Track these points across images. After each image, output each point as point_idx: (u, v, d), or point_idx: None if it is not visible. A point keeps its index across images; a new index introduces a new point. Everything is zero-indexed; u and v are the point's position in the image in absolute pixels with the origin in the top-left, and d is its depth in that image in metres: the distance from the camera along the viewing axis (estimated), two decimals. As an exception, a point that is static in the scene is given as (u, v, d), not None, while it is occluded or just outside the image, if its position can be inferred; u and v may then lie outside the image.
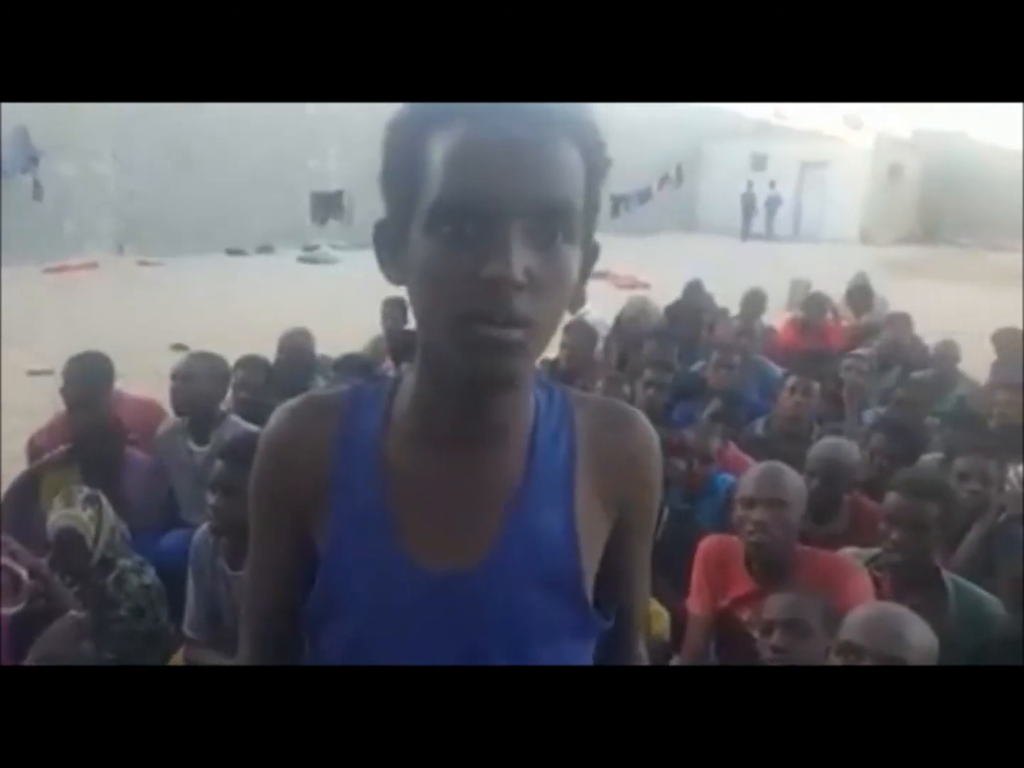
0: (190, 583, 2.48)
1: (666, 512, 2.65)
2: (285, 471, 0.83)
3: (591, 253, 0.77)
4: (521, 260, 0.66)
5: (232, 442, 2.54)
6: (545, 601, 0.80)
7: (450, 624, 0.79)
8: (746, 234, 21.55)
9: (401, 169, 0.72)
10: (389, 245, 0.76)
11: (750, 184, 22.04)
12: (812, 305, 5.70)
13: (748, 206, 21.93)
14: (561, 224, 0.69)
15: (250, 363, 3.61)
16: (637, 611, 0.95)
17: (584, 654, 0.87)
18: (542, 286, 0.69)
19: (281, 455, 0.84)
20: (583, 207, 0.72)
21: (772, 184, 21.99)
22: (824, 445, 2.81)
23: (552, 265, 0.69)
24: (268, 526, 0.87)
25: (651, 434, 0.87)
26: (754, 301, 5.90)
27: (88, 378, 3.34)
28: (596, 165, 0.73)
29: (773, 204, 22.03)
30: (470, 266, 0.67)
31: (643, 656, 0.98)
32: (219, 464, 2.35)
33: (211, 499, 2.32)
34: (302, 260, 14.70)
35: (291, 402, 0.86)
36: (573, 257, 0.72)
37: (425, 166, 0.69)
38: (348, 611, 0.81)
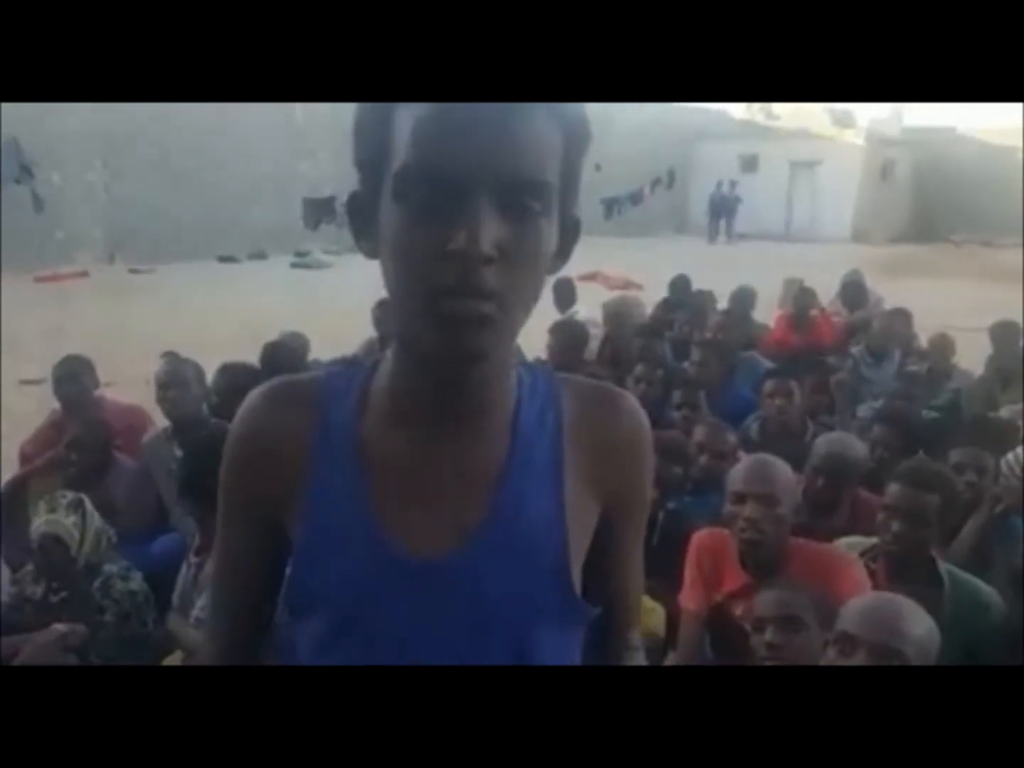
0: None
1: (661, 515, 2.63)
2: (259, 458, 0.80)
3: (571, 227, 0.75)
4: (491, 232, 0.64)
5: (199, 438, 2.48)
6: (530, 589, 0.77)
7: (431, 612, 0.76)
8: (713, 236, 21.41)
9: (370, 137, 0.70)
10: (361, 216, 0.74)
11: (719, 185, 22.02)
12: (801, 299, 5.71)
13: (716, 208, 21.83)
14: (533, 196, 0.67)
15: (233, 369, 3.55)
16: (629, 600, 0.92)
17: (572, 644, 0.84)
18: (513, 259, 0.66)
19: (255, 441, 0.80)
20: (560, 181, 0.70)
21: (733, 184, 21.97)
22: (829, 441, 2.76)
23: (524, 238, 0.67)
24: (240, 516, 0.83)
25: (641, 416, 0.84)
26: (742, 299, 5.90)
27: (78, 380, 3.36)
28: (575, 139, 0.70)
29: (732, 204, 21.87)
30: (438, 238, 0.65)
31: (636, 645, 0.94)
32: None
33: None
34: (295, 266, 14.67)
35: (264, 386, 0.83)
36: (548, 230, 0.70)
37: (394, 133, 0.68)
38: (325, 602, 0.78)
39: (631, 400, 0.84)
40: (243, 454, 0.81)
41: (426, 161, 0.65)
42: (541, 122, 0.67)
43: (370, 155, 0.70)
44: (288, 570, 0.81)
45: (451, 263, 0.64)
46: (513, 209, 0.66)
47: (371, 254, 0.73)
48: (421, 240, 0.66)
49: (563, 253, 0.75)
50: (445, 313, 0.66)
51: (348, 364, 0.86)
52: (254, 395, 0.82)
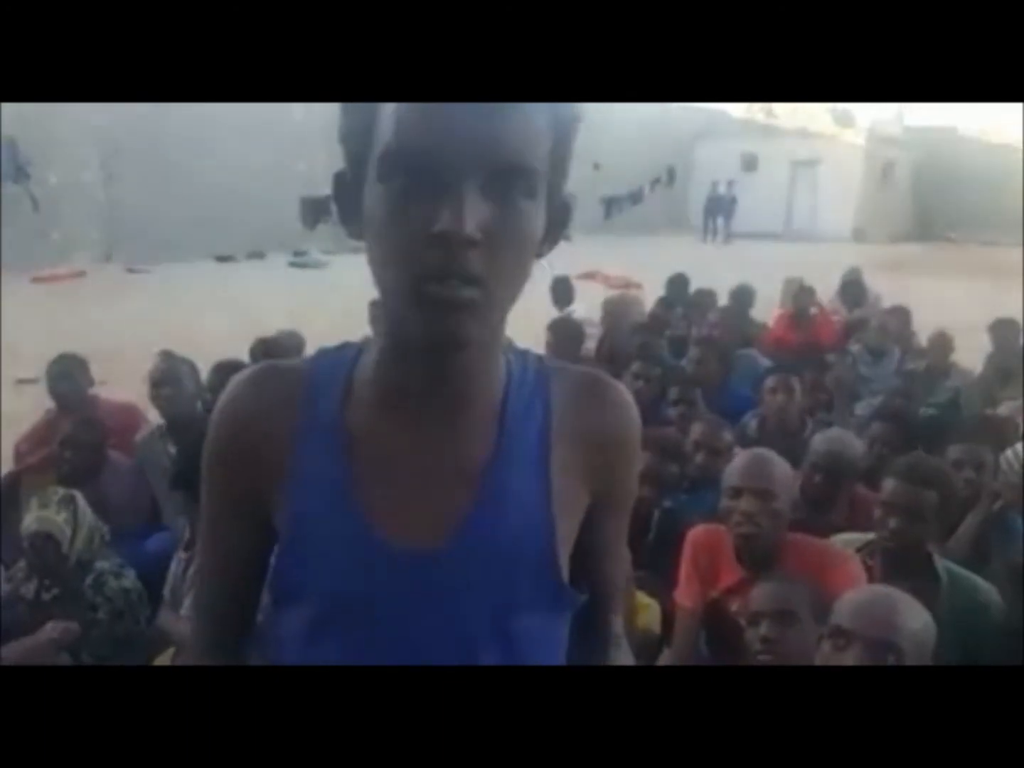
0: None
1: (657, 513, 2.63)
2: (244, 443, 0.79)
3: (560, 210, 0.74)
4: (475, 214, 0.64)
5: (193, 433, 2.46)
6: (516, 578, 0.77)
7: (417, 602, 0.75)
8: (709, 235, 21.34)
9: (356, 120, 0.70)
10: (347, 197, 0.73)
11: (714, 185, 22.00)
12: (800, 297, 5.72)
13: (712, 208, 21.80)
14: (519, 178, 0.67)
15: (228, 368, 3.53)
16: (614, 588, 0.92)
17: (559, 630, 0.83)
18: (499, 242, 0.66)
19: (240, 426, 0.79)
20: (548, 163, 0.69)
21: (730, 185, 22.00)
22: (826, 438, 2.76)
23: (509, 220, 0.67)
24: (224, 503, 0.82)
25: (630, 407, 0.84)
26: (741, 297, 5.90)
27: (72, 378, 3.35)
28: (564, 121, 0.70)
29: (728, 205, 21.84)
30: (422, 221, 0.64)
31: (619, 632, 0.95)
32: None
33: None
34: (292, 265, 14.66)
35: (249, 371, 0.82)
36: (534, 213, 0.69)
37: (379, 116, 0.68)
38: (309, 592, 0.77)
39: (621, 390, 0.84)
40: (226, 441, 0.80)
41: (410, 143, 0.65)
42: (527, 108, 0.67)
43: (355, 138, 0.70)
44: (272, 559, 0.80)
45: (435, 247, 0.64)
46: (498, 191, 0.66)
47: (356, 235, 0.73)
48: (405, 223, 0.65)
49: (552, 237, 0.74)
50: (429, 298, 0.65)
51: (335, 349, 0.83)
52: (237, 380, 0.81)
